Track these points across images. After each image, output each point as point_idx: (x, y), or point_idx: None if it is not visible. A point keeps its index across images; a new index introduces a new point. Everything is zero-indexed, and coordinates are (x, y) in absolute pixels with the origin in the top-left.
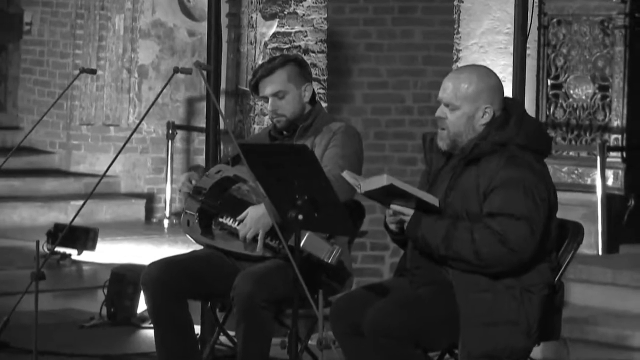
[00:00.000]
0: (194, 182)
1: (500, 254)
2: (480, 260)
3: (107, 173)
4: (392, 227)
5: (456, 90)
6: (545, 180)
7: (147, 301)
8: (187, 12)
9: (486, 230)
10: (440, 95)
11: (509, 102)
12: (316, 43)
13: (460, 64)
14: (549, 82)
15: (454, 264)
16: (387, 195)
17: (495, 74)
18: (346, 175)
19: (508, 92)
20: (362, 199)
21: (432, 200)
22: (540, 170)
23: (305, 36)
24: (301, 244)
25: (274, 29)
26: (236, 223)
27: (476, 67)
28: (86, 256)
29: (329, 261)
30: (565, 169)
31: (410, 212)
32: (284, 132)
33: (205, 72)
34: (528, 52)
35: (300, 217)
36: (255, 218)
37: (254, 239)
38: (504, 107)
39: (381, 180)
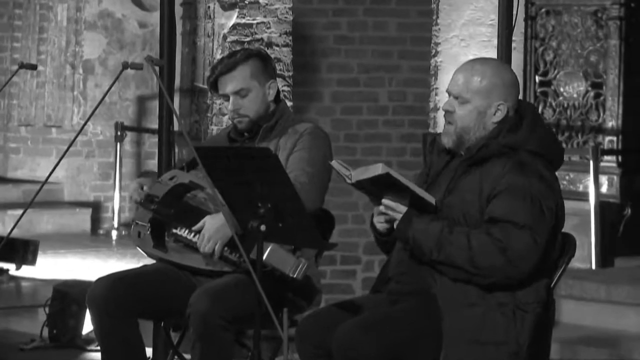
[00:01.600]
0: (145, 188)
1: (498, 263)
2: (476, 269)
3: (49, 179)
4: (380, 226)
5: (468, 82)
6: (554, 192)
7: (93, 321)
8: (138, 2)
9: (485, 237)
10: (450, 88)
11: (521, 103)
12: (280, 35)
13: (439, 58)
14: (537, 78)
15: (445, 270)
16: (379, 188)
17: (511, 70)
18: (335, 164)
19: None
20: (333, 207)
21: (429, 198)
22: (550, 179)
23: (268, 28)
24: (264, 257)
25: (233, 20)
26: (192, 234)
27: (491, 60)
28: (26, 271)
29: (295, 276)
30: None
31: (402, 209)
32: (245, 134)
33: (157, 68)
34: (514, 45)
35: (262, 227)
36: (213, 229)
37: (212, 251)
38: (517, 107)
39: (376, 169)
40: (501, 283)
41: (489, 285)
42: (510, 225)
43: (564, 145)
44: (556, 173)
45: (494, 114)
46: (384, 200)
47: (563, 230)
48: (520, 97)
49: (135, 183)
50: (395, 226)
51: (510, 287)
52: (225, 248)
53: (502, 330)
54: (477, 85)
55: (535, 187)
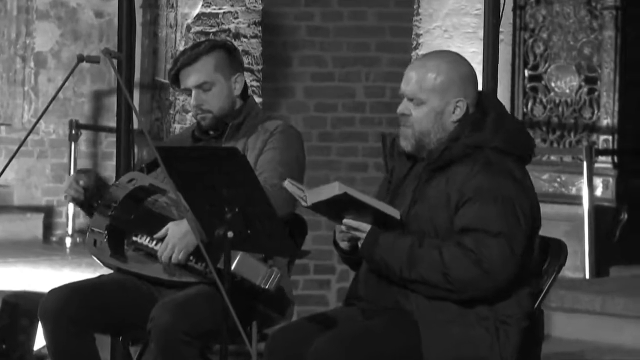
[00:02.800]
0: (81, 183)
1: (473, 276)
2: (450, 284)
3: None
4: (343, 244)
5: (421, 81)
6: (528, 191)
7: (46, 335)
8: None
9: (457, 249)
10: (403, 88)
11: (484, 97)
12: (249, 26)
13: (420, 51)
14: (527, 72)
15: (419, 288)
16: (338, 207)
17: (467, 62)
18: (288, 185)
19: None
20: (305, 212)
21: (393, 212)
22: (521, 179)
23: (235, 18)
24: (232, 267)
25: (198, 10)
26: (153, 242)
27: (445, 54)
28: None
29: (266, 287)
30: (545, 176)
31: (366, 227)
32: (211, 132)
33: (115, 61)
34: (501, 37)
35: (230, 234)
36: (176, 236)
37: (176, 261)
38: (477, 102)
39: (332, 189)
40: (479, 296)
41: (466, 300)
42: (482, 234)
43: (555, 145)
44: (546, 175)
45: (453, 112)
46: (345, 221)
47: (554, 237)
48: (508, 93)
49: (71, 178)
50: (359, 246)
51: (489, 300)
52: (190, 257)
53: (485, 347)
54: (432, 83)
55: (506, 189)
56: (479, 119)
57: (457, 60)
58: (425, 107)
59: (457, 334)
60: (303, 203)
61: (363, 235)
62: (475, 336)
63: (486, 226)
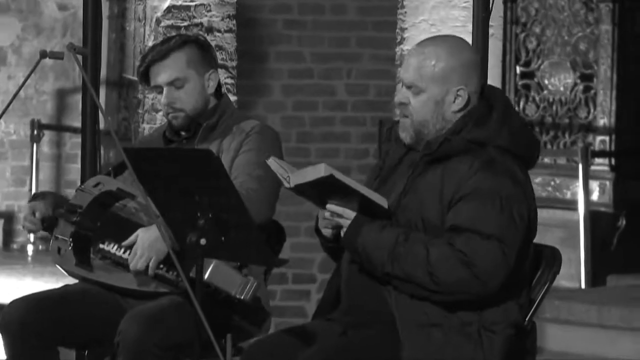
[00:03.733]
0: (38, 215)
1: (462, 278)
2: (436, 285)
3: None
4: (326, 232)
5: (420, 68)
6: (527, 196)
7: (7, 349)
8: None
9: (447, 248)
10: (402, 76)
11: (490, 90)
12: (223, 20)
13: (405, 46)
14: (518, 69)
15: (401, 286)
16: (322, 192)
17: (470, 48)
18: (272, 163)
19: None
20: (283, 218)
21: (381, 200)
22: (523, 181)
23: (208, 11)
24: (205, 276)
25: (168, 2)
26: (121, 250)
27: (446, 39)
28: None
29: (241, 297)
30: (538, 179)
31: (350, 214)
32: (183, 133)
33: (80, 57)
34: (491, 31)
35: (202, 241)
36: (145, 243)
37: (145, 269)
38: (481, 93)
39: (317, 171)
40: (465, 300)
41: (450, 303)
42: (475, 234)
43: (548, 146)
44: (540, 179)
45: (454, 102)
46: (329, 206)
47: (548, 244)
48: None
49: (27, 208)
50: (342, 234)
51: (475, 304)
52: (161, 266)
53: (467, 353)
54: (431, 71)
55: (506, 190)
56: (483, 114)
57: (459, 45)
58: (424, 95)
59: (439, 338)
60: (286, 184)
61: (347, 223)
62: (458, 341)
63: (480, 227)
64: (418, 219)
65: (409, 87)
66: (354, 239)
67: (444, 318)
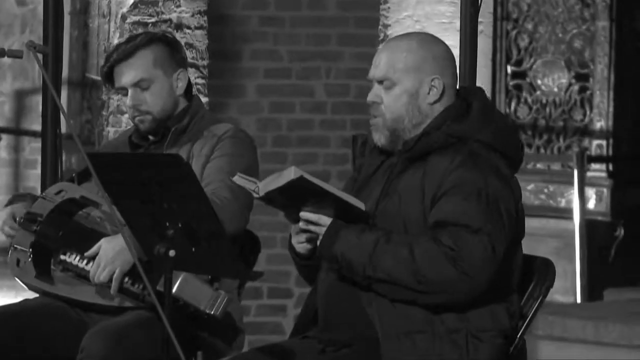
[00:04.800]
0: (19, 219)
1: (448, 276)
2: (421, 284)
3: None
4: (300, 247)
5: (392, 61)
6: (514, 190)
7: None
8: None
9: (431, 244)
10: (372, 73)
11: (469, 90)
12: (193, 16)
13: None
14: (509, 69)
15: (384, 289)
16: (295, 198)
17: (443, 43)
18: (238, 179)
19: None
20: (258, 228)
21: (357, 203)
22: (508, 176)
23: (177, 6)
24: (173, 290)
25: None
26: (84, 261)
27: (417, 33)
28: None
29: (212, 312)
30: (531, 187)
31: (326, 221)
32: (150, 137)
33: (40, 56)
34: (480, 28)
35: (171, 252)
36: (109, 254)
37: (110, 282)
38: (458, 91)
39: (287, 175)
40: (451, 302)
41: (436, 305)
42: (461, 229)
43: (541, 151)
44: (532, 186)
45: (428, 93)
46: (302, 214)
47: (541, 254)
48: (488, 91)
49: (6, 213)
50: (318, 243)
51: (461, 309)
52: (126, 278)
53: None
54: (403, 62)
55: (492, 185)
56: (463, 111)
57: (431, 39)
58: (396, 89)
59: (422, 345)
60: (255, 195)
61: (322, 230)
62: (443, 349)
63: (465, 220)
64: (399, 222)
65: (380, 82)
66: (331, 246)
67: (429, 324)
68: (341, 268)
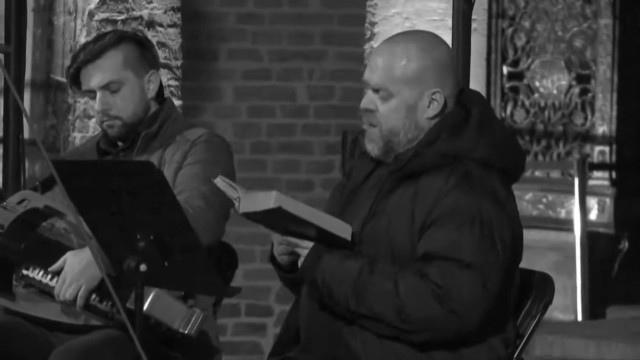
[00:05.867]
0: None
1: (435, 315)
2: (405, 323)
3: None
4: (282, 259)
5: (390, 69)
6: (510, 215)
7: None
8: None
9: (418, 280)
10: (367, 77)
11: (467, 94)
12: (165, 13)
13: (376, 43)
14: (505, 69)
15: (367, 324)
16: (274, 221)
17: (444, 43)
18: (219, 182)
19: None
20: (235, 240)
21: (342, 230)
22: (504, 199)
23: (149, 2)
24: (145, 307)
25: None
26: (48, 277)
27: (417, 34)
28: None
29: (186, 332)
30: (528, 196)
31: (308, 244)
32: (120, 143)
33: (1, 56)
34: (474, 26)
35: (142, 267)
36: (75, 269)
37: (75, 299)
38: (458, 95)
39: (267, 200)
40: (438, 341)
41: (424, 343)
42: (451, 263)
43: (540, 157)
44: (530, 195)
45: (428, 107)
46: (282, 239)
47: (539, 269)
48: (482, 93)
49: None
50: (299, 265)
51: (452, 344)
52: (93, 295)
53: None
54: (402, 71)
55: (487, 211)
56: (459, 122)
57: (433, 42)
58: (394, 100)
59: None
60: (235, 208)
61: (304, 252)
62: None
63: (456, 254)
64: (386, 246)
65: (375, 91)
66: (312, 271)
67: None
68: (322, 296)
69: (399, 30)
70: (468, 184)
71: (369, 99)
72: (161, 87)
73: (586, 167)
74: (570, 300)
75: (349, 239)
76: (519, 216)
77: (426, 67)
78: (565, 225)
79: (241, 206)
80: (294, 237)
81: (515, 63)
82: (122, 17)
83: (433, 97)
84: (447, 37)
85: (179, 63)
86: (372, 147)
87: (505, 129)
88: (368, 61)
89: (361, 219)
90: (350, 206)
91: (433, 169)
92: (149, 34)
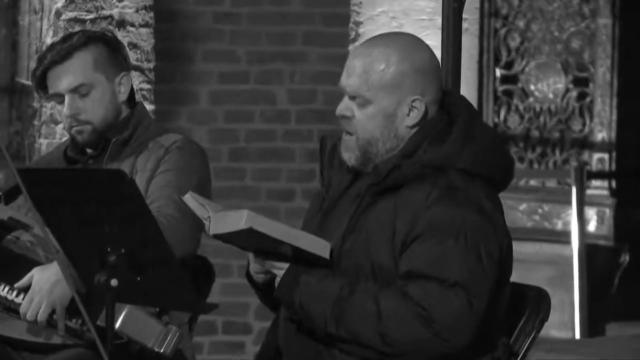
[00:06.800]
0: None
1: (420, 338)
2: (388, 346)
3: None
4: (258, 277)
5: (366, 74)
6: (497, 228)
7: None
8: None
9: (400, 300)
10: (343, 82)
11: (451, 98)
12: (137, 12)
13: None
14: (498, 72)
15: (347, 348)
16: (247, 241)
17: (426, 47)
18: (189, 199)
19: None
20: (212, 254)
21: (320, 248)
22: (490, 211)
23: (120, 1)
24: (116, 325)
25: None
26: (14, 293)
27: (398, 37)
28: None
29: (161, 350)
30: (523, 206)
31: (284, 265)
32: (89, 150)
33: None
34: (465, 26)
35: (114, 282)
36: (43, 285)
37: (50, 318)
38: (441, 101)
39: (238, 220)
40: None
41: None
42: (434, 282)
43: (535, 165)
44: (524, 205)
45: (408, 115)
46: (257, 261)
47: (534, 284)
48: (474, 97)
49: None
50: (275, 286)
51: None
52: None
53: None
54: (380, 77)
55: (471, 225)
56: (442, 130)
57: (414, 45)
58: (371, 108)
59: None
60: (206, 229)
61: (280, 273)
62: None
63: (440, 272)
64: (367, 263)
65: (352, 98)
66: (289, 292)
67: None
68: (300, 318)
69: (386, 30)
70: (451, 196)
71: (345, 105)
72: (132, 91)
73: (584, 176)
74: (567, 317)
75: (328, 257)
76: (509, 228)
77: (405, 73)
78: (562, 237)
79: (211, 227)
80: (270, 256)
81: (508, 65)
82: (91, 16)
83: (413, 104)
84: (437, 38)
85: (151, 65)
86: (349, 156)
87: (492, 135)
88: (346, 64)
89: (340, 235)
90: (329, 220)
91: (414, 181)
92: (120, 35)
